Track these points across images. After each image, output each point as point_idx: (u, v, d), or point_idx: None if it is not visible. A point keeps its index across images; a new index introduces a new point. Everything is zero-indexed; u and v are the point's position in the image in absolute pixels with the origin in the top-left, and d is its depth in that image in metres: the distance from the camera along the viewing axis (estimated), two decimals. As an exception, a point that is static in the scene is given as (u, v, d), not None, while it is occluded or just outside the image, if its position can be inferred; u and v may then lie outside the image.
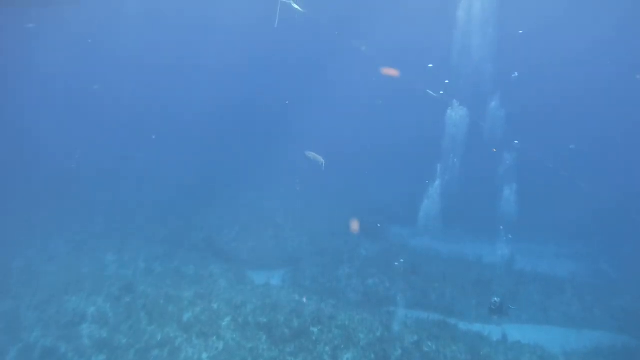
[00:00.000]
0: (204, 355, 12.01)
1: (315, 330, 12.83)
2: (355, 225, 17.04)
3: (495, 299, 12.73)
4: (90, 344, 12.71)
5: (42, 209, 22.84)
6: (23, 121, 30.59)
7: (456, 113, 20.13)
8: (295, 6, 12.47)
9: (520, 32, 26.45)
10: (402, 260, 20.37)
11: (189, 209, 23.35)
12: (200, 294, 14.50)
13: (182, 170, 27.73)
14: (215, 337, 12.47)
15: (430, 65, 24.43)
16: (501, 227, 19.74)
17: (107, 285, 15.26)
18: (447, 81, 20.98)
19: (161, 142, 30.18)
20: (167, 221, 22.28)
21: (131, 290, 14.87)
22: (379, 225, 22.13)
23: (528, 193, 21.16)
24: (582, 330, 16.19)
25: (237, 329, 12.76)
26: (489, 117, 22.40)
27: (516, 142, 23.85)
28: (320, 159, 15.43)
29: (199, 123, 32.13)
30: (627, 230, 22.99)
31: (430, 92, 15.26)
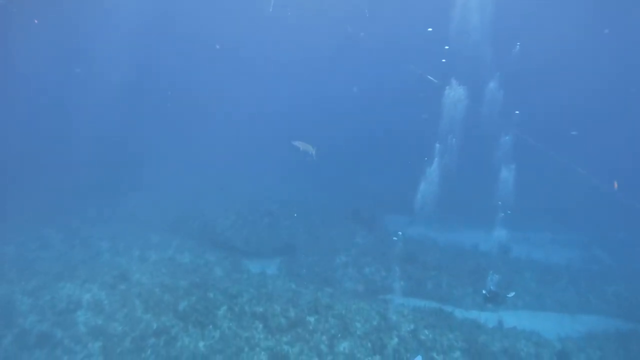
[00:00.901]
0: (201, 344, 11.93)
1: (311, 319, 12.79)
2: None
3: (490, 287, 12.76)
4: (86, 330, 12.59)
5: (35, 195, 22.59)
6: (13, 110, 30.06)
7: (454, 93, 19.83)
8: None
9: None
10: (400, 233, 20.32)
11: (184, 197, 23.17)
12: (196, 283, 14.39)
13: (178, 159, 27.45)
14: (211, 326, 12.39)
15: (430, 29, 23.99)
16: (499, 203, 19.64)
17: (101, 273, 15.09)
18: (446, 47, 20.65)
19: (156, 128, 29.80)
20: (162, 209, 22.11)
21: (126, 278, 14.72)
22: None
23: (524, 179, 21.21)
24: (576, 315, 16.32)
25: (233, 318, 12.68)
26: (487, 98, 22.21)
27: (517, 112, 23.63)
28: (310, 147, 15.13)
29: (193, 113, 31.77)
30: (621, 217, 23.06)
31: (431, 78, 15.00)
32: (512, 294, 13.55)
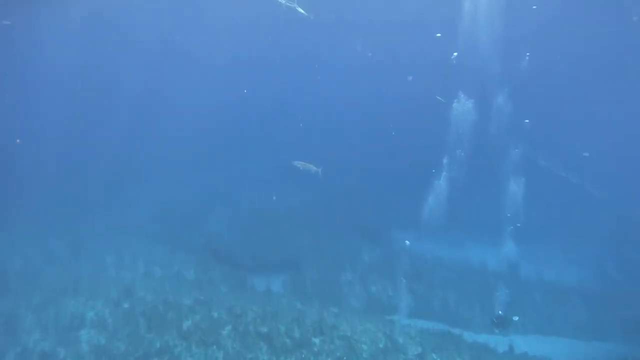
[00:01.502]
0: (204, 365, 11.78)
1: (317, 340, 12.58)
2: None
3: (498, 313, 12.59)
4: (89, 349, 12.48)
5: (42, 208, 22.69)
6: (21, 118, 30.38)
7: (462, 106, 19.66)
8: (300, 9, 12.17)
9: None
10: (407, 242, 20.06)
11: (190, 211, 23.11)
12: (200, 301, 14.26)
13: (184, 171, 27.47)
14: (215, 346, 12.22)
15: (439, 35, 23.81)
16: (508, 215, 19.36)
17: (106, 289, 15.05)
18: (455, 53, 20.46)
19: (162, 141, 29.92)
20: (168, 223, 22.09)
21: (130, 295, 14.64)
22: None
23: (533, 194, 20.91)
24: (591, 342, 15.88)
25: (237, 338, 12.51)
26: (494, 113, 22.01)
27: (527, 121, 23.40)
28: (312, 167, 14.95)
29: (199, 123, 31.82)
30: (634, 235, 22.56)
31: (439, 99, 14.92)
32: (516, 318, 13.26)
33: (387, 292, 17.36)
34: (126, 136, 30.13)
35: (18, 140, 26.64)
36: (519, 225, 19.23)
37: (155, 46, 33.63)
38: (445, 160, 19.78)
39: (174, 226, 21.83)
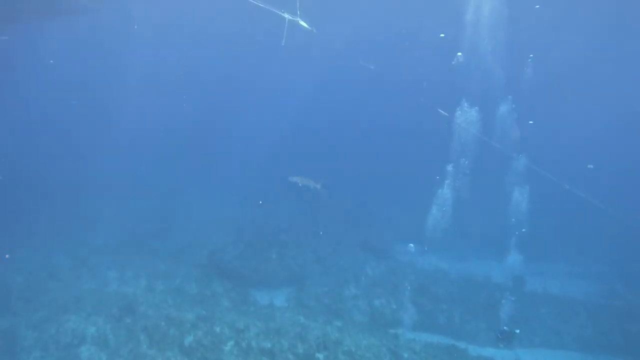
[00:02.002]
0: (206, 382, 11.60)
1: (320, 356, 12.39)
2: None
3: (503, 328, 12.46)
4: (90, 367, 12.38)
5: (43, 222, 22.67)
6: (21, 130, 30.55)
7: (466, 115, 19.49)
8: (303, 24, 12.23)
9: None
10: (411, 245, 19.82)
11: (194, 224, 23.06)
12: (203, 316, 14.10)
13: (186, 186, 27.52)
14: (217, 363, 12.05)
15: (442, 35, 23.84)
16: (513, 220, 19.16)
17: (108, 305, 14.93)
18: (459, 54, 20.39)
19: (163, 155, 30.04)
20: (170, 236, 22.01)
21: (132, 310, 14.53)
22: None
23: (538, 208, 20.75)
24: (597, 355, 15.63)
25: (240, 354, 12.33)
26: (498, 122, 21.86)
27: (531, 122, 23.23)
28: (311, 182, 14.68)
29: (199, 137, 32.02)
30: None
31: (441, 112, 14.90)
32: (518, 331, 13.07)
33: (391, 305, 17.14)
34: (125, 148, 30.30)
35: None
36: (523, 230, 19.03)
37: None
38: (448, 169, 19.57)
39: (175, 240, 21.78)
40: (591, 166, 24.02)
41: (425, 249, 20.38)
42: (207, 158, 31.18)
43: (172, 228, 22.91)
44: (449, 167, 19.33)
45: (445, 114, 14.92)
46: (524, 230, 18.85)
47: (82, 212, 23.74)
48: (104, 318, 14.12)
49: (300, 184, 14.80)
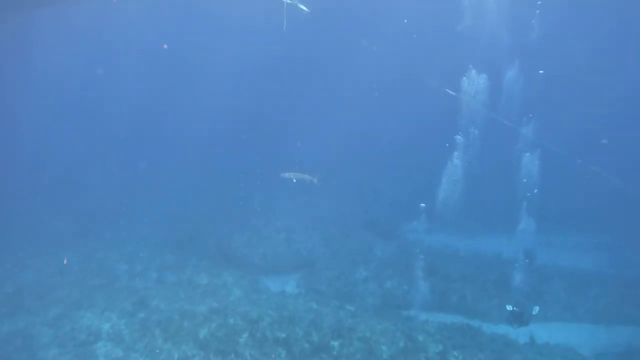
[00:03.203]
0: (223, 374, 11.65)
1: (335, 344, 12.40)
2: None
3: (513, 308, 12.37)
4: (107, 363, 12.43)
5: (50, 218, 22.63)
6: (26, 127, 30.26)
7: (474, 83, 18.85)
8: (302, 6, 11.76)
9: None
10: (422, 204, 19.76)
11: (199, 214, 22.95)
12: (215, 308, 14.11)
13: (191, 174, 27.29)
14: (233, 355, 12.08)
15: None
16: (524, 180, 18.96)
17: (120, 299, 14.94)
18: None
19: (168, 144, 29.74)
20: (177, 227, 21.93)
21: (145, 304, 14.53)
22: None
23: (546, 181, 20.50)
24: (612, 326, 15.63)
25: (255, 346, 12.35)
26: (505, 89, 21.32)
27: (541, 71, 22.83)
28: (306, 176, 14.16)
29: (207, 125, 31.61)
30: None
31: (449, 91, 14.47)
32: (537, 309, 13.00)
33: (403, 287, 17.11)
34: (130, 142, 30.00)
35: None
36: (535, 191, 18.81)
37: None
38: (456, 141, 19.17)
39: (181, 230, 21.71)
40: (605, 141, 23.64)
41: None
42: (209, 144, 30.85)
43: (178, 218, 22.81)
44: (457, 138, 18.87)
45: (453, 93, 14.46)
46: (535, 191, 18.59)
47: (88, 207, 23.69)
48: (117, 313, 14.13)
49: (294, 180, 14.28)
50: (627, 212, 22.35)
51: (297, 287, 17.49)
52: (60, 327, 13.82)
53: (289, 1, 11.60)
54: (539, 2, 25.74)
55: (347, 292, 16.95)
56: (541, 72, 25.44)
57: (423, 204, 20.04)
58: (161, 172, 27.14)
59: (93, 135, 30.24)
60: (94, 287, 16.35)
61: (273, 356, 11.93)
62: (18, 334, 13.50)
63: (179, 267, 18.17)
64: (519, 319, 12.53)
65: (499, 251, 19.79)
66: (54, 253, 19.23)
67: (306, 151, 25.94)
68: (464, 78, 18.92)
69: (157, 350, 12.37)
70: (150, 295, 15.19)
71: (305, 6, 12.04)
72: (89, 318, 13.96)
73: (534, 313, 12.37)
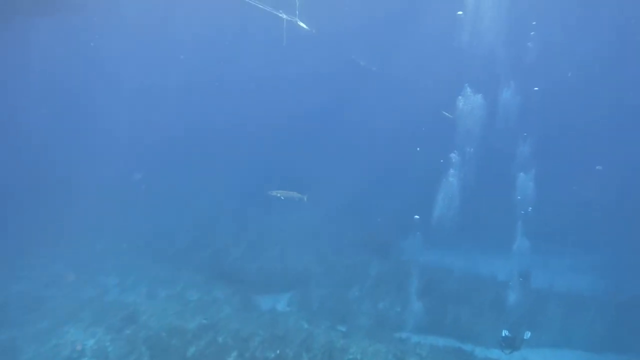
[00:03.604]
0: (209, 395, 11.39)
1: (326, 366, 12.16)
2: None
3: (505, 334, 12.21)
4: (90, 381, 12.16)
5: (41, 226, 22.36)
6: (19, 135, 30.16)
7: (470, 102, 18.84)
8: (301, 24, 11.82)
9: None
10: (417, 216, 19.65)
11: (194, 226, 22.78)
12: (205, 325, 13.86)
13: (187, 185, 27.19)
14: (220, 375, 11.83)
15: (460, 13, 23.26)
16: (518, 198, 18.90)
17: (108, 314, 14.67)
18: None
19: (164, 156, 29.70)
20: (172, 239, 21.76)
21: (133, 320, 14.25)
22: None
23: (543, 200, 20.47)
24: (606, 353, 15.41)
25: (243, 366, 12.11)
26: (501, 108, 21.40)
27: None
28: (295, 194, 13.97)
29: (200, 137, 31.65)
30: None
31: (446, 114, 14.50)
32: (528, 334, 12.80)
33: (396, 307, 16.91)
34: (125, 150, 29.92)
35: None
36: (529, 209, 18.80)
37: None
38: (451, 160, 19.17)
39: (176, 242, 21.53)
40: (600, 167, 23.71)
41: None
42: (204, 156, 30.80)
43: (172, 230, 22.63)
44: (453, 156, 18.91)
45: (450, 115, 14.51)
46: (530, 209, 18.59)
47: (81, 217, 23.45)
48: (103, 329, 13.85)
49: (282, 198, 14.05)
50: (625, 234, 22.32)
51: (288, 305, 17.24)
52: (44, 342, 13.52)
53: (289, 18, 11.67)
54: (534, 23, 26.10)
55: (339, 311, 16.69)
56: (536, 88, 25.69)
57: (417, 216, 19.97)
58: (158, 180, 27.05)
59: (92, 138, 30.18)
60: (83, 300, 16.08)
61: None
62: (1, 348, 13.21)
63: (171, 282, 17.94)
64: (511, 344, 12.37)
65: (495, 272, 19.64)
66: (45, 265, 19.00)
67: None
68: (460, 97, 19.03)
69: (143, 369, 12.11)
70: (140, 311, 14.92)
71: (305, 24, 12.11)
72: (74, 333, 13.66)
73: (525, 338, 12.20)
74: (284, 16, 11.87)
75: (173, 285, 17.68)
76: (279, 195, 13.87)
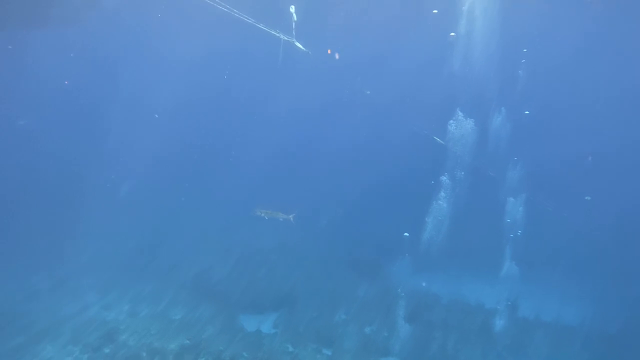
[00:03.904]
0: (188, 420, 10.99)
1: (309, 392, 11.84)
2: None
3: None
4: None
5: (25, 240, 21.84)
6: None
7: (462, 126, 18.88)
8: (298, 44, 11.89)
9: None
10: (406, 234, 19.44)
11: (181, 243, 22.41)
12: (187, 346, 13.50)
13: (174, 203, 26.88)
14: (200, 399, 11.45)
15: (435, 11, 23.51)
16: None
17: (86, 332, 14.27)
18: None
19: (151, 171, 29.41)
20: (157, 255, 21.37)
21: (112, 339, 13.88)
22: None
23: (531, 231, 20.54)
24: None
25: (224, 390, 11.75)
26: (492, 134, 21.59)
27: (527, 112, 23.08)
28: (280, 214, 13.68)
29: (192, 153, 31.56)
30: (634, 271, 22.06)
31: (437, 139, 14.59)
32: None
33: (382, 332, 16.63)
34: (112, 162, 29.62)
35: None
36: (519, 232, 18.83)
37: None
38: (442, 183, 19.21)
39: (162, 259, 21.14)
40: (589, 198, 23.94)
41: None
42: (195, 172, 30.63)
43: (160, 246, 22.25)
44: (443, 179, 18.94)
45: (441, 141, 14.60)
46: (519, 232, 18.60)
47: (65, 229, 22.98)
48: (81, 347, 13.45)
49: (266, 218, 13.76)
50: (612, 265, 22.36)
51: (274, 326, 16.88)
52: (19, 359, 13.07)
53: (286, 39, 11.73)
54: (525, 50, 26.63)
55: (325, 334, 16.37)
56: (527, 112, 26.05)
57: (407, 234, 19.89)
58: (143, 196, 26.69)
59: (72, 151, 29.80)
60: (62, 316, 15.63)
61: None
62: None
63: (154, 299, 17.54)
64: None
65: (482, 299, 19.49)
66: (25, 278, 18.49)
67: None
68: (451, 121, 19.13)
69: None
70: (120, 329, 14.54)
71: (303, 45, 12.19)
72: (50, 351, 13.26)
73: None
74: (282, 36, 11.93)
75: (156, 303, 17.28)
76: (263, 215, 13.56)
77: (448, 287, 20.90)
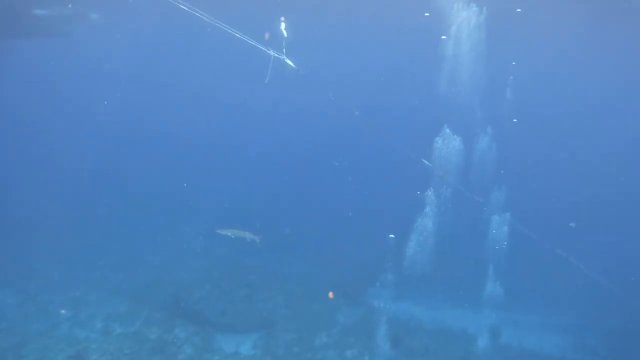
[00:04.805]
0: None
1: (287, 418, 11.39)
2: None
3: None
4: None
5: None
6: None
7: (449, 144, 18.83)
8: (288, 61, 11.92)
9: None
10: (392, 236, 19.14)
11: (158, 261, 21.84)
12: (161, 368, 12.93)
13: (153, 219, 26.34)
14: None
15: (427, 14, 23.51)
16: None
17: (55, 351, 13.58)
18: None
19: (131, 187, 28.97)
20: (134, 272, 20.72)
21: (82, 359, 13.19)
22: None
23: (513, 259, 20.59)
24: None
25: (199, 414, 11.21)
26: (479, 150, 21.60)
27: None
28: (248, 234, 13.35)
29: (172, 169, 31.27)
30: (615, 301, 22.20)
31: (426, 162, 14.67)
32: None
33: (364, 357, 16.29)
34: (92, 174, 29.14)
35: None
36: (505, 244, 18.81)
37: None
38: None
39: (139, 276, 20.52)
40: (573, 224, 24.27)
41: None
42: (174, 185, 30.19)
43: (137, 262, 21.62)
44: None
45: (430, 164, 14.68)
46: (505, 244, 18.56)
47: (35, 241, 22.14)
48: (48, 367, 12.75)
49: (232, 237, 13.40)
50: (595, 298, 22.45)
51: (253, 348, 16.38)
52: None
53: (276, 55, 11.74)
54: (514, 63, 27.22)
55: (305, 358, 15.98)
56: (515, 120, 26.29)
57: (392, 235, 19.66)
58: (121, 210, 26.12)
59: (46, 159, 29.22)
60: (29, 334, 14.89)
61: None
62: None
63: (129, 318, 16.88)
64: None
65: (465, 326, 19.34)
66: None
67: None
68: (438, 138, 19.10)
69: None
70: (91, 348, 13.88)
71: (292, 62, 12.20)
72: (15, 371, 12.53)
73: None
74: (272, 53, 11.94)
75: (131, 322, 16.63)
76: (229, 234, 13.16)
77: (431, 313, 20.73)
